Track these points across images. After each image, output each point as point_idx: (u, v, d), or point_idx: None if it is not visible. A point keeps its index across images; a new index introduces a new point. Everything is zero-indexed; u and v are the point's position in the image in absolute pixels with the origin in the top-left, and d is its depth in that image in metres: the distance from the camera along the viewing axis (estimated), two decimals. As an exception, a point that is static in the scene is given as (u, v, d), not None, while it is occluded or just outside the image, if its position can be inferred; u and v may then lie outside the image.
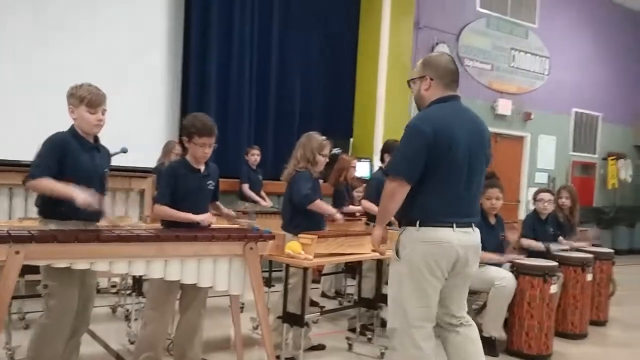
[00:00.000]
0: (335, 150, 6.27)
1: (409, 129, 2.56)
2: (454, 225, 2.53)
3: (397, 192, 2.53)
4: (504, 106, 9.61)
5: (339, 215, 3.90)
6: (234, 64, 7.21)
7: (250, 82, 7.41)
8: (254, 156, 6.59)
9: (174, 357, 3.20)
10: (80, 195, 2.55)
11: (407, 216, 2.59)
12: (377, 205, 4.46)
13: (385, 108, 7.98)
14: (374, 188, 4.65)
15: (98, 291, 5.19)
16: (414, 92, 2.72)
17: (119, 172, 4.87)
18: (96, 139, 2.94)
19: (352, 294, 5.25)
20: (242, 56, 7.28)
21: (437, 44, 8.75)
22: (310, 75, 7.98)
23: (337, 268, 5.60)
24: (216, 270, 2.83)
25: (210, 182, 3.16)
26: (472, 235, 2.62)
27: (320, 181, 4.07)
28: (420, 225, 2.53)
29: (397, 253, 2.61)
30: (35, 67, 5.85)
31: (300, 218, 3.75)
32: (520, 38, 9.94)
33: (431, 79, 2.61)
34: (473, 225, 2.63)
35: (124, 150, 5.63)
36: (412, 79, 2.71)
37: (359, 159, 6.70)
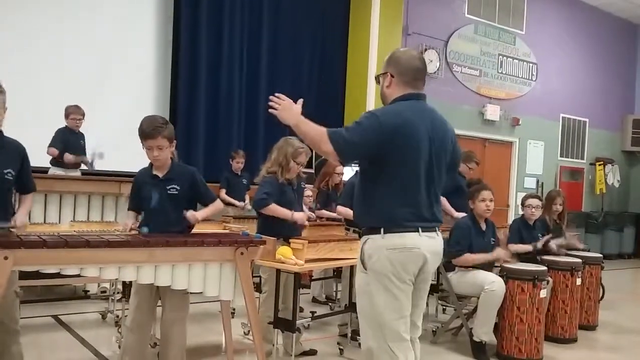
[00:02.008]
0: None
1: (365, 114, 2.37)
2: (420, 229, 2.36)
3: (322, 150, 2.28)
4: (493, 111, 9.68)
5: (297, 216, 3.68)
6: (224, 68, 7.22)
7: (240, 87, 7.42)
8: (238, 164, 6.58)
9: None
10: None
11: (370, 224, 2.39)
12: (352, 209, 4.51)
13: (375, 113, 8.00)
14: (348, 192, 4.65)
15: (88, 297, 5.21)
16: (379, 88, 2.55)
17: (109, 177, 4.85)
18: (0, 135, 2.70)
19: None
20: (231, 61, 7.29)
21: (425, 50, 8.81)
22: (301, 81, 8.00)
23: (327, 273, 5.59)
24: (207, 276, 2.81)
25: (172, 186, 2.95)
26: (436, 240, 2.45)
27: (309, 185, 4.06)
28: (385, 232, 2.34)
29: (362, 264, 2.40)
30: (16, 67, 5.75)
31: (268, 223, 3.69)
32: (508, 44, 10.04)
33: (392, 76, 2.44)
34: (437, 229, 2.47)
35: (100, 156, 5.61)
36: (378, 75, 2.54)
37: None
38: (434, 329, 4.59)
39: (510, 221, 8.79)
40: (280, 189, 3.74)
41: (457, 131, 9.97)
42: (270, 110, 2.37)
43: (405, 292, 2.38)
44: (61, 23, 6.25)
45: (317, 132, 2.28)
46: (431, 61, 8.86)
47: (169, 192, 2.95)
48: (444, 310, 5.33)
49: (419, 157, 2.34)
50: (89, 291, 5.30)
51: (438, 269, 4.45)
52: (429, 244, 2.40)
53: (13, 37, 5.96)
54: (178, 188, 2.97)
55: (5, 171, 2.68)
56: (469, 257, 4.24)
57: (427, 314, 5.05)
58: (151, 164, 3.01)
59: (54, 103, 5.67)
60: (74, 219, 4.41)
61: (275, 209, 3.67)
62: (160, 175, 2.98)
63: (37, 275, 2.59)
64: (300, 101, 2.38)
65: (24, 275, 2.56)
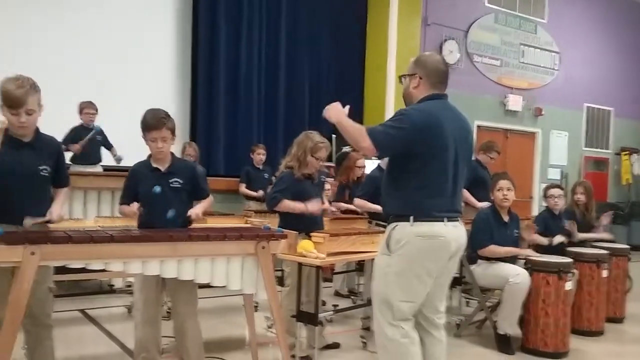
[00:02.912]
0: (346, 149, 6.27)
1: (399, 112, 2.59)
2: (445, 219, 2.56)
3: (360, 145, 2.49)
4: (515, 102, 9.55)
5: (311, 206, 3.64)
6: (243, 63, 7.24)
7: (259, 82, 7.43)
8: (260, 155, 6.59)
9: None
10: None
11: (399, 211, 2.59)
12: (371, 202, 4.55)
13: (395, 106, 7.95)
14: (368, 186, 4.67)
15: (113, 291, 5.29)
16: (403, 88, 2.76)
17: (122, 172, 4.90)
18: (36, 134, 2.71)
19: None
20: (250, 56, 7.30)
21: (445, 40, 8.72)
22: (320, 73, 7.99)
23: (349, 267, 5.59)
24: (229, 270, 2.82)
25: (175, 180, 2.95)
26: (460, 229, 2.65)
27: (330, 179, 4.04)
28: (414, 220, 2.53)
29: (387, 247, 2.59)
30: (34, 66, 5.82)
31: (289, 217, 3.68)
32: (530, 33, 9.88)
33: (420, 78, 2.66)
34: (459, 218, 2.66)
35: (119, 160, 5.76)
36: (403, 75, 2.75)
37: (368, 157, 6.68)
38: (458, 322, 4.55)
39: (534, 213, 8.69)
40: (297, 184, 3.72)
41: (479, 122, 9.88)
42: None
43: (423, 284, 2.58)
44: (80, 23, 6.27)
45: (357, 129, 2.51)
46: (451, 52, 8.76)
47: (171, 185, 2.95)
48: (467, 303, 5.29)
49: (446, 152, 2.55)
50: (113, 285, 5.38)
51: (461, 261, 4.41)
52: (453, 232, 2.60)
53: (31, 35, 5.97)
54: (181, 182, 2.97)
55: (41, 167, 2.69)
56: (494, 249, 4.19)
57: (450, 307, 5.01)
58: (149, 157, 3.00)
59: (73, 103, 5.74)
60: (99, 215, 4.48)
61: (288, 205, 3.66)
62: (161, 168, 2.97)
63: (63, 270, 2.63)
64: (347, 107, 2.62)
65: (59, 269, 2.60)
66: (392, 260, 2.57)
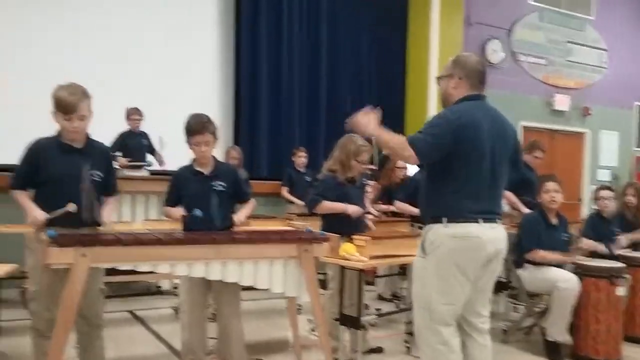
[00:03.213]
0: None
1: (436, 117, 2.61)
2: (480, 220, 2.52)
3: (404, 156, 2.50)
4: (562, 101, 9.28)
5: (352, 209, 3.65)
6: (284, 66, 7.28)
7: (301, 84, 7.46)
8: (301, 158, 6.61)
9: None
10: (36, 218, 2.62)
11: (433, 213, 2.59)
12: (413, 204, 4.50)
13: (437, 107, 7.86)
14: (410, 188, 4.63)
15: (160, 292, 5.40)
16: (441, 89, 2.75)
17: (169, 176, 5.01)
18: (87, 140, 2.80)
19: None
20: (292, 58, 7.34)
21: (488, 39, 8.55)
22: (361, 75, 7.96)
23: (392, 270, 5.54)
24: (272, 272, 2.85)
25: (219, 183, 3.01)
26: (498, 231, 2.60)
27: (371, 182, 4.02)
28: (448, 222, 2.52)
29: (423, 250, 2.59)
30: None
31: (331, 220, 3.67)
32: (577, 31, 9.59)
33: (459, 78, 2.64)
34: (497, 220, 2.61)
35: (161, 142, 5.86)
36: (441, 76, 2.74)
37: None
38: (505, 328, 4.44)
39: (582, 215, 8.41)
40: (340, 187, 3.71)
41: (524, 122, 9.60)
42: (349, 125, 2.61)
43: (460, 283, 2.54)
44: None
45: (398, 141, 2.51)
46: (495, 51, 8.59)
47: (214, 188, 3.00)
48: (514, 308, 5.15)
49: (482, 153, 2.53)
50: (161, 287, 5.50)
51: (508, 265, 4.31)
52: (490, 234, 2.55)
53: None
54: (224, 185, 3.02)
55: (92, 172, 2.77)
56: (540, 254, 4.08)
57: (497, 313, 4.91)
58: (192, 161, 3.06)
59: (120, 104, 5.86)
60: (147, 218, 4.60)
61: (328, 205, 3.66)
62: (205, 172, 3.02)
63: (113, 271, 2.71)
64: (376, 110, 2.59)
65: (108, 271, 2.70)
66: (427, 263, 2.57)
